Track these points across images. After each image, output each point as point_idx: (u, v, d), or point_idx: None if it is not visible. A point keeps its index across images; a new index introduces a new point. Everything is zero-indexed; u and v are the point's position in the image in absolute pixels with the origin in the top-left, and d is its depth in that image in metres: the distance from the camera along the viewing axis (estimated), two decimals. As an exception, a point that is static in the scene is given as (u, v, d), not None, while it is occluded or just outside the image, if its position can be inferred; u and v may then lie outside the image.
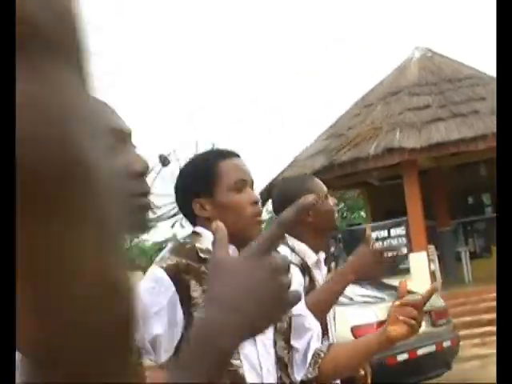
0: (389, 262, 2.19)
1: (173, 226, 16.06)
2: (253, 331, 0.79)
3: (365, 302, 7.27)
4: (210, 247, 1.38)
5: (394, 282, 9.25)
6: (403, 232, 12.09)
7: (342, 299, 7.07)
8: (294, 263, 2.22)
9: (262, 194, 14.71)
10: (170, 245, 1.87)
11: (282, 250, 2.26)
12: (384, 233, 12.20)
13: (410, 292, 7.73)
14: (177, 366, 0.81)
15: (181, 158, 15.52)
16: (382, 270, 2.16)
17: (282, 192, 2.47)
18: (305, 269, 2.30)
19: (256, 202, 1.71)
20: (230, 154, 1.75)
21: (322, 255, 2.44)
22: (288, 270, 0.80)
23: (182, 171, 1.81)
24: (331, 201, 2.45)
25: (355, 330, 6.65)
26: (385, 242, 12.14)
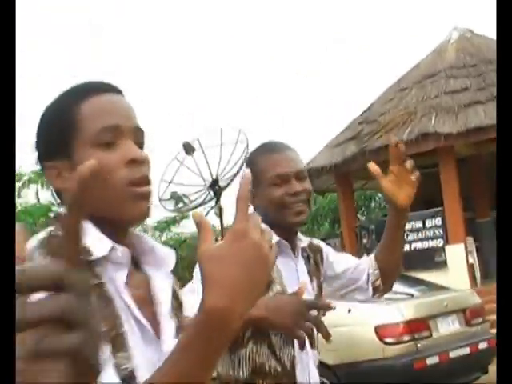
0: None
1: (207, 215, 16.24)
2: (252, 305, 0.95)
3: (390, 299, 6.69)
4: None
5: (427, 276, 9.21)
6: (439, 223, 12.02)
7: (361, 296, 6.97)
8: None
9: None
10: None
11: None
12: (419, 224, 12.16)
13: (443, 288, 7.54)
14: (182, 348, 0.93)
15: (206, 145, 15.67)
16: (306, 331, 1.77)
17: (248, 163, 2.20)
18: None
19: (134, 161, 1.16)
20: (98, 90, 1.21)
21: (303, 242, 2.18)
22: (268, 239, 0.96)
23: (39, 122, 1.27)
24: (296, 187, 2.06)
25: (379, 330, 6.32)
26: (420, 234, 12.11)
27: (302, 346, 1.80)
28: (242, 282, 0.91)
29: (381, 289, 2.32)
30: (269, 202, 2.06)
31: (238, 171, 16.10)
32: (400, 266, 2.33)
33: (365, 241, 12.99)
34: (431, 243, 12.05)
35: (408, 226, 12.17)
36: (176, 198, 17.76)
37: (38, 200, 17.10)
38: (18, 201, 16.28)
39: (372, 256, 2.32)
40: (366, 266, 2.31)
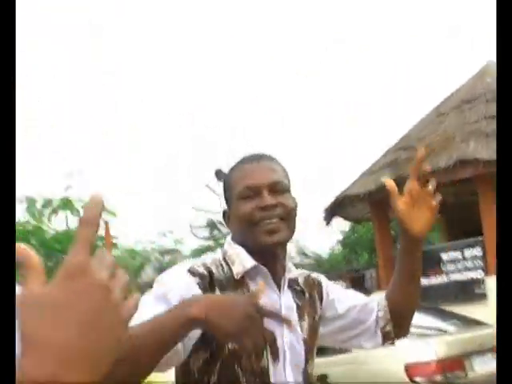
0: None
1: None
2: (97, 374, 0.67)
3: (422, 335, 6.40)
4: None
5: (466, 309, 9.01)
6: (479, 253, 11.84)
7: None
8: (197, 274, 1.72)
9: (326, 210, 14.74)
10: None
11: (215, 255, 1.85)
12: (457, 254, 11.99)
13: (480, 323, 7.21)
14: None
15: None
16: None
17: (224, 180, 1.96)
18: (221, 283, 1.74)
19: None
20: None
21: (292, 272, 1.91)
22: (123, 285, 0.71)
23: None
24: (268, 199, 1.78)
25: (410, 369, 6.01)
26: (458, 264, 11.94)
27: (276, 355, 1.53)
28: (74, 341, 0.65)
29: (392, 336, 2.05)
30: (238, 219, 1.82)
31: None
32: (414, 308, 2.04)
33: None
34: (470, 274, 11.85)
35: (446, 257, 12.03)
36: (211, 225, 17.76)
37: (68, 227, 17.27)
38: (47, 227, 16.50)
39: (383, 295, 2.05)
40: (375, 305, 2.04)
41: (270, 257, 1.82)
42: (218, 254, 1.85)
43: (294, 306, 1.90)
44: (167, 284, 1.67)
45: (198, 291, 1.68)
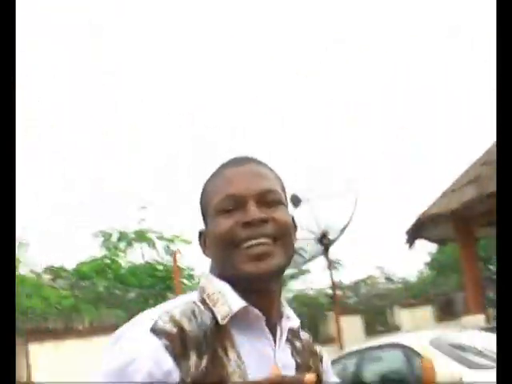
0: None
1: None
2: None
3: None
4: None
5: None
6: None
7: (480, 360, 6.08)
8: (163, 333, 1.31)
9: (408, 233, 14.45)
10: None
11: (188, 297, 1.44)
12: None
13: None
14: None
15: (311, 197, 15.75)
16: None
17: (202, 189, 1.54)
18: (197, 339, 1.33)
19: None
20: None
21: (291, 320, 1.48)
22: None
23: None
24: (255, 213, 1.38)
25: None
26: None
27: None
28: None
29: None
30: (215, 241, 1.41)
31: (348, 223, 16.13)
32: None
33: (491, 294, 12.49)
34: None
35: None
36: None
37: (143, 259, 17.52)
38: (123, 261, 16.80)
39: None
40: None
41: (259, 293, 1.40)
42: (192, 296, 1.44)
43: (292, 363, 1.47)
44: (126, 352, 1.31)
45: (166, 357, 1.29)
